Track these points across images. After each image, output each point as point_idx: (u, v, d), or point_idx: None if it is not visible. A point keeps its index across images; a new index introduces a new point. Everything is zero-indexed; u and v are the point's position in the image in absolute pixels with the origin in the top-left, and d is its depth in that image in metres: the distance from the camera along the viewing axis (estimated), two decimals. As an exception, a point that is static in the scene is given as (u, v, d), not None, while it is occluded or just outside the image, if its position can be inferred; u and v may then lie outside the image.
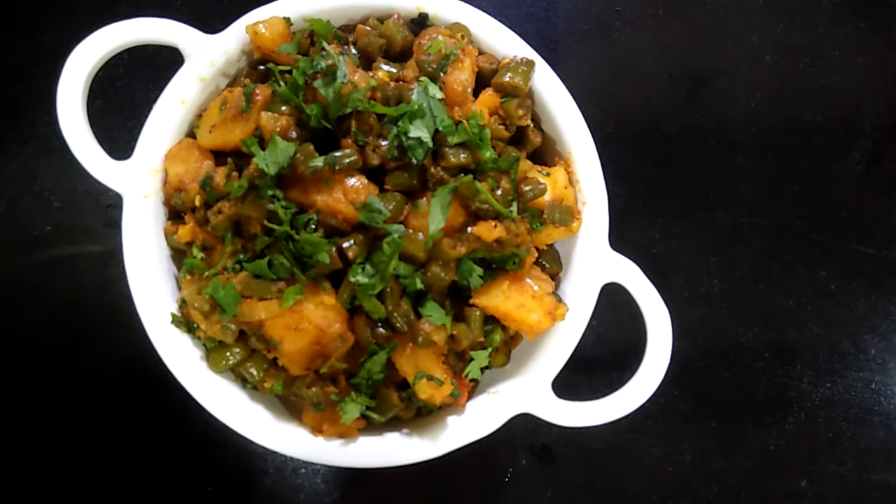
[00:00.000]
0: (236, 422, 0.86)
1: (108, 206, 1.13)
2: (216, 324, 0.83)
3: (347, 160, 0.77)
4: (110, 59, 0.89)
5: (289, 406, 0.92)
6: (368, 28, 0.90)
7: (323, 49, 0.82)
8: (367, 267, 0.78)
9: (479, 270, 0.82)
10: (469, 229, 0.81)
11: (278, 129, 0.78)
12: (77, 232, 1.12)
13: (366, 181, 0.79)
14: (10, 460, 1.08)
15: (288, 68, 0.83)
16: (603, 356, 1.11)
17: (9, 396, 1.09)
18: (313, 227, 0.78)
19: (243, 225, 0.81)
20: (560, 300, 0.87)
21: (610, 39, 1.19)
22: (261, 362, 0.86)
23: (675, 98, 1.18)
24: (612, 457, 1.11)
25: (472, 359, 0.86)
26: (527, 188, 0.84)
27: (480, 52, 0.90)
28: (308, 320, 0.78)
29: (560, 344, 0.89)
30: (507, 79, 0.87)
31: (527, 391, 0.89)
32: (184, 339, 0.88)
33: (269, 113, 0.80)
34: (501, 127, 0.88)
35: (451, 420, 0.88)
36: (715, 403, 1.13)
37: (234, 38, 0.89)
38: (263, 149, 0.78)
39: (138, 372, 1.10)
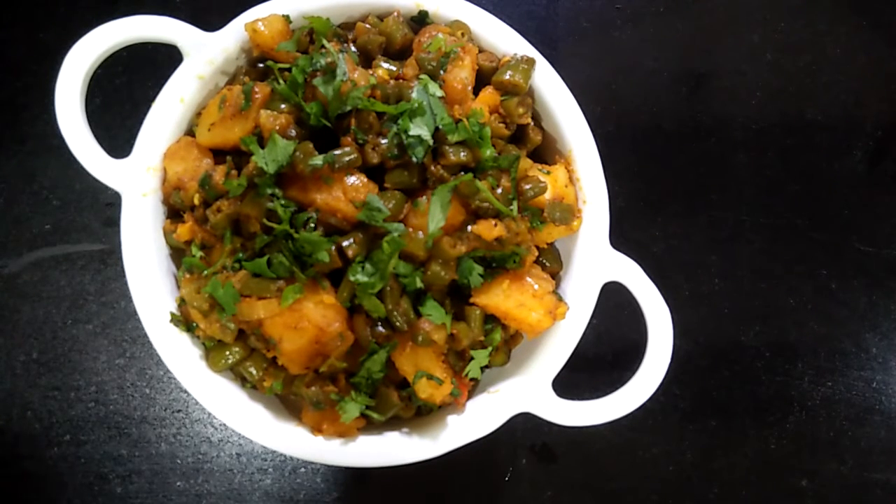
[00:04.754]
0: (235, 421, 0.86)
1: (107, 204, 1.12)
2: (215, 323, 0.82)
3: (347, 158, 0.77)
4: (109, 56, 0.88)
5: (288, 405, 0.91)
6: (368, 26, 0.90)
7: (322, 47, 0.82)
8: (367, 266, 0.78)
9: (479, 269, 0.81)
10: (469, 228, 0.80)
11: (277, 128, 0.78)
12: (76, 230, 1.12)
13: (365, 179, 0.79)
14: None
15: (287, 66, 0.83)
16: (603, 355, 1.11)
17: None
18: (313, 225, 0.77)
19: (242, 223, 0.81)
20: (560, 299, 0.87)
21: (611, 37, 1.19)
22: (260, 361, 0.86)
23: (676, 96, 1.18)
24: (612, 456, 1.11)
25: (472, 358, 0.86)
26: (527, 187, 0.84)
27: (481, 50, 0.90)
28: (307, 319, 0.78)
29: (560, 343, 0.88)
30: (507, 77, 0.87)
31: (527, 390, 0.88)
32: (183, 338, 0.88)
33: (269, 111, 0.79)
34: (502, 125, 0.88)
35: (452, 419, 0.88)
36: (715, 402, 1.13)
37: (233, 35, 0.88)
38: (263, 147, 0.77)
39: (135, 372, 1.11)
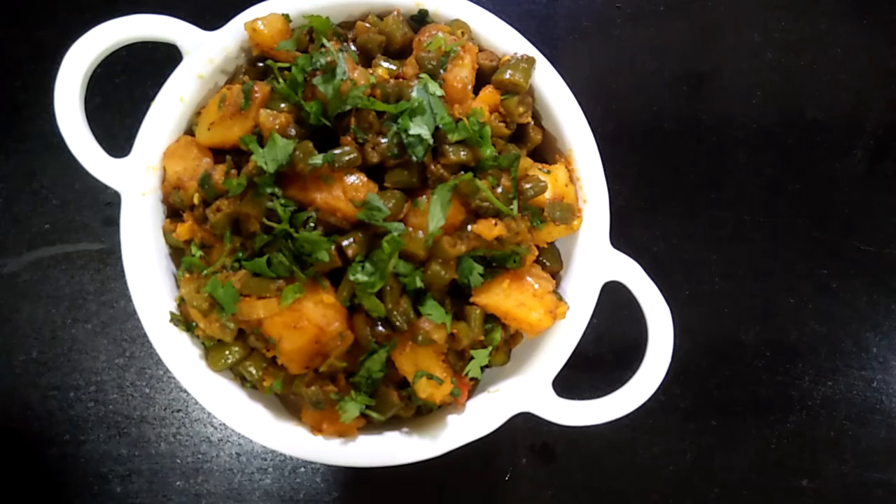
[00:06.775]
0: (235, 421, 0.86)
1: (107, 203, 1.12)
2: (215, 322, 0.82)
3: (347, 158, 0.77)
4: (108, 55, 0.88)
5: (288, 405, 0.91)
6: (368, 25, 0.89)
7: (322, 46, 0.82)
8: (367, 265, 0.78)
9: (479, 269, 0.81)
10: (469, 227, 0.80)
11: (277, 127, 0.78)
12: (75, 230, 1.12)
13: (365, 179, 0.78)
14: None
15: (287, 65, 0.83)
16: (604, 355, 1.11)
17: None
18: (312, 225, 0.77)
19: (242, 223, 0.80)
20: (561, 298, 0.87)
21: (611, 36, 1.19)
22: (260, 361, 0.86)
23: (676, 95, 1.18)
24: (612, 455, 1.11)
25: (472, 357, 0.86)
26: (527, 186, 0.84)
27: (481, 49, 0.90)
28: (307, 319, 0.78)
29: (561, 342, 0.88)
30: (507, 76, 0.86)
31: (527, 390, 0.88)
32: (182, 337, 0.87)
33: (268, 110, 0.79)
34: (502, 124, 0.87)
35: (452, 419, 0.88)
36: (716, 402, 1.13)
37: (232, 34, 0.88)
38: (262, 146, 0.77)
39: (134, 371, 1.11)
